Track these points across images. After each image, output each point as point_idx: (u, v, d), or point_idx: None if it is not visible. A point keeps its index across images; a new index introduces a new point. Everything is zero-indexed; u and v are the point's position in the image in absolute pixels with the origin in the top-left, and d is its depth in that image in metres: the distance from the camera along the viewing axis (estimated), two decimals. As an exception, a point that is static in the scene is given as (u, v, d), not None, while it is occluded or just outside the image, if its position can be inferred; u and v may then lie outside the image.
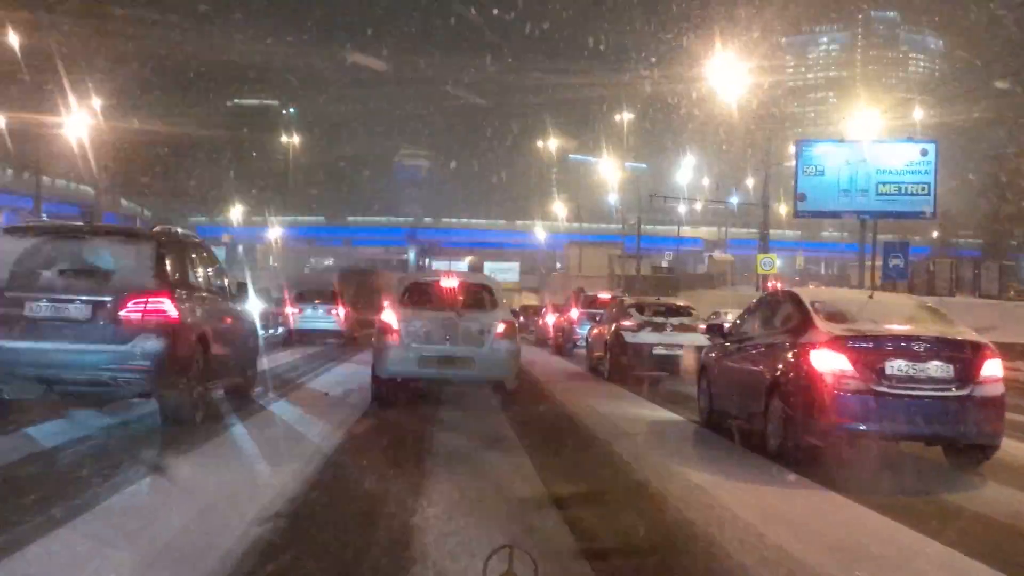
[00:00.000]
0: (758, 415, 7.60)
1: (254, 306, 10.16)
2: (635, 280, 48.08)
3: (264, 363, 11.46)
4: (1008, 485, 6.60)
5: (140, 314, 7.01)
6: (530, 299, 57.31)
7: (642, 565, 4.35)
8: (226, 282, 9.34)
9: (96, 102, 37.29)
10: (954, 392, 6.65)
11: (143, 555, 4.06)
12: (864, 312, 7.44)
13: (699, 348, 12.64)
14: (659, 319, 14.97)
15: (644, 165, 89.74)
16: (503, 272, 66.96)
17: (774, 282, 31.94)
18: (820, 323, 7.15)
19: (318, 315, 23.38)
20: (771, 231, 38.79)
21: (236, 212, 74.72)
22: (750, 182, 70.55)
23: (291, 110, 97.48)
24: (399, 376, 9.87)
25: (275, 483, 5.57)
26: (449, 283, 10.41)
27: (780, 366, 7.33)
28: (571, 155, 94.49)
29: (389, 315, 9.95)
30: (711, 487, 5.96)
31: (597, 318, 17.74)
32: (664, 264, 66.75)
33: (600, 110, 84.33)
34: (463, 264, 72.34)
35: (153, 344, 6.99)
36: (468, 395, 11.04)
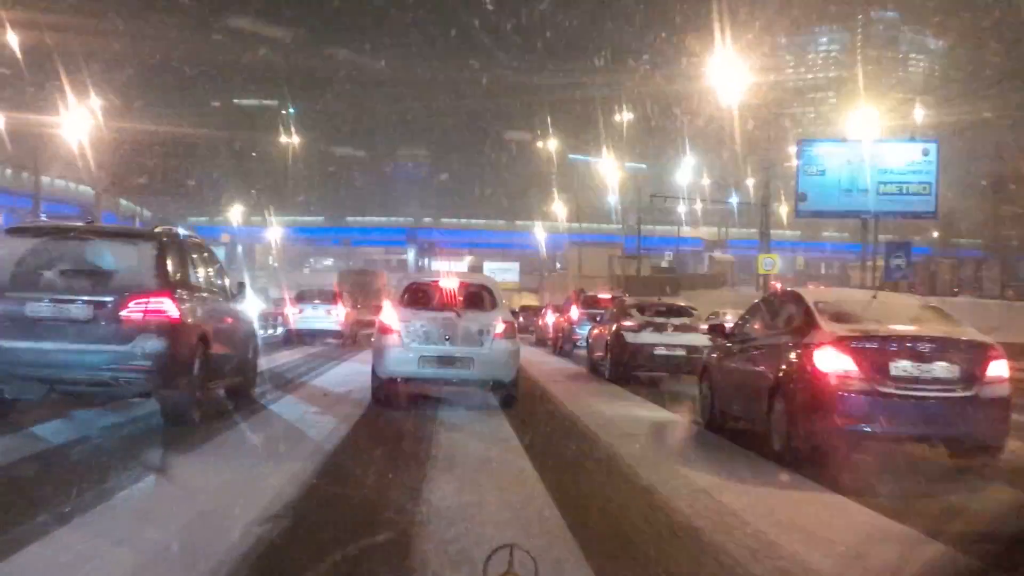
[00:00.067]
0: (761, 416, 7.53)
1: (252, 306, 10.15)
2: (635, 280, 48.01)
3: (265, 363, 11.48)
4: (1015, 487, 6.54)
5: (141, 314, 7.02)
6: (530, 299, 57.30)
7: None
8: (226, 282, 9.35)
9: (95, 102, 37.17)
10: (960, 393, 6.60)
11: (144, 555, 4.05)
12: (868, 312, 7.38)
13: (700, 349, 12.59)
14: (660, 319, 14.90)
15: (644, 165, 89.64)
16: (503, 272, 67.01)
17: (774, 282, 31.88)
18: (824, 323, 7.09)
19: (318, 315, 23.36)
20: (771, 231, 38.73)
21: (235, 212, 74.67)
22: (750, 182, 70.43)
23: (291, 110, 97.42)
24: (399, 376, 9.92)
25: (275, 483, 5.54)
26: (448, 283, 10.42)
27: (784, 367, 7.26)
28: (571, 155, 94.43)
29: (389, 315, 9.98)
30: (716, 491, 5.85)
31: (598, 318, 17.67)
32: (664, 264, 66.70)
33: (600, 110, 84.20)
34: (463, 264, 72.26)
35: (154, 344, 7.00)
36: (468, 395, 10.99)
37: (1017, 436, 7.28)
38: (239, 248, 74.50)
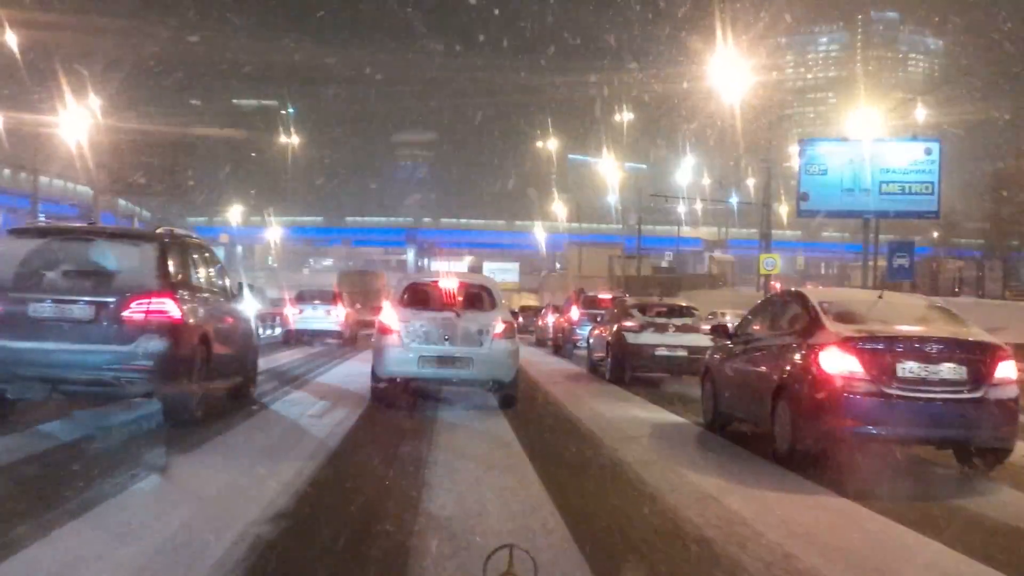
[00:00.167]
0: (765, 418, 7.43)
1: (249, 306, 10.17)
2: (635, 280, 47.92)
3: (265, 363, 11.40)
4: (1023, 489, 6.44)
5: (143, 314, 7.04)
6: (530, 299, 57.21)
7: None
8: (227, 282, 9.37)
9: (94, 102, 37.07)
10: (967, 394, 6.49)
11: (145, 555, 4.03)
12: (874, 313, 7.27)
13: (702, 349, 12.49)
14: (661, 320, 14.79)
15: (644, 165, 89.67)
16: (503, 272, 66.96)
17: (773, 282, 31.75)
18: (829, 324, 6.98)
19: (318, 315, 23.32)
20: (772, 231, 38.62)
21: (235, 212, 74.60)
22: (751, 182, 70.40)
23: (290, 110, 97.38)
24: (398, 376, 9.91)
25: (274, 484, 5.50)
26: (448, 283, 10.40)
27: (788, 368, 7.16)
28: (571, 155, 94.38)
29: (388, 315, 9.96)
30: (725, 496, 5.69)
31: (598, 319, 17.57)
32: (664, 264, 66.63)
33: (600, 110, 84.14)
34: (462, 264, 72.19)
35: (156, 344, 7.02)
36: (468, 396, 10.92)
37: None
38: (238, 248, 74.48)
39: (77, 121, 34.89)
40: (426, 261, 79.11)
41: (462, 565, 3.99)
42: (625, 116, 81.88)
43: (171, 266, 7.52)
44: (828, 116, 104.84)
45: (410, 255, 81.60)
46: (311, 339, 22.55)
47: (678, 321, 14.76)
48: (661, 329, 14.46)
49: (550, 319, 26.04)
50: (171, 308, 7.18)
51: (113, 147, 41.90)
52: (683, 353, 13.91)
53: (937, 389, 6.48)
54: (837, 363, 6.58)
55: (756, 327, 8.63)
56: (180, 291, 7.48)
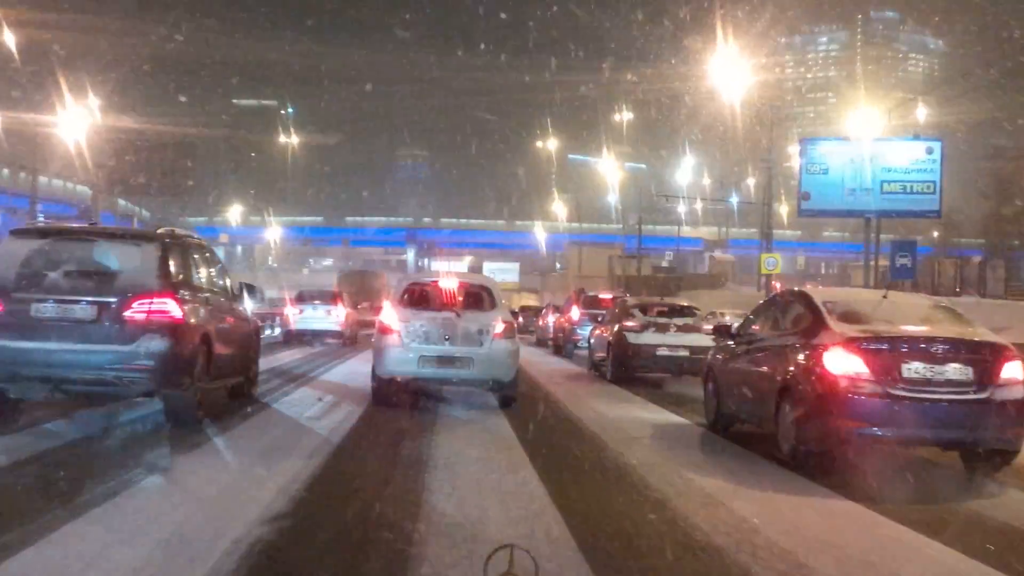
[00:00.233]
0: (768, 419, 7.37)
1: (247, 307, 10.19)
2: (636, 280, 47.84)
3: (266, 363, 11.38)
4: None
5: (145, 314, 7.08)
6: (530, 299, 57.15)
7: None
8: (228, 282, 9.40)
9: (93, 101, 36.99)
10: (973, 395, 6.43)
11: (146, 555, 4.03)
12: (878, 312, 7.21)
13: (703, 349, 12.43)
14: (662, 320, 14.73)
15: (643, 165, 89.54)
16: (503, 272, 66.84)
17: (774, 282, 31.68)
18: (833, 324, 6.92)
19: (318, 315, 23.31)
20: (772, 231, 38.54)
21: (235, 212, 74.52)
22: (751, 181, 70.27)
23: (290, 110, 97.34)
24: (399, 376, 9.94)
25: (273, 485, 5.48)
26: (448, 283, 10.41)
27: (791, 368, 7.10)
28: (571, 155, 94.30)
29: (389, 315, 9.97)
30: (732, 500, 5.58)
31: (599, 319, 17.50)
32: (665, 264, 66.54)
33: (600, 110, 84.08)
34: (462, 264, 72.14)
35: (157, 344, 7.06)
36: (468, 396, 10.88)
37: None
38: (238, 248, 74.46)
39: (76, 121, 34.82)
40: (426, 261, 79.03)
41: (464, 574, 3.90)
42: (625, 116, 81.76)
43: (172, 266, 7.55)
44: (828, 116, 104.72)
45: (410, 255, 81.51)
46: (311, 339, 22.52)
47: (679, 321, 14.70)
48: (662, 329, 14.40)
49: (550, 319, 25.97)
50: (172, 308, 7.20)
51: (112, 147, 41.85)
52: (684, 353, 13.84)
53: (943, 390, 6.42)
54: (842, 363, 6.51)
55: (759, 327, 8.56)
56: (181, 291, 7.51)
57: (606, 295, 24.45)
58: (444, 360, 9.66)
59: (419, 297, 10.32)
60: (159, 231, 8.23)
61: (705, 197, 68.67)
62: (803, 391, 6.81)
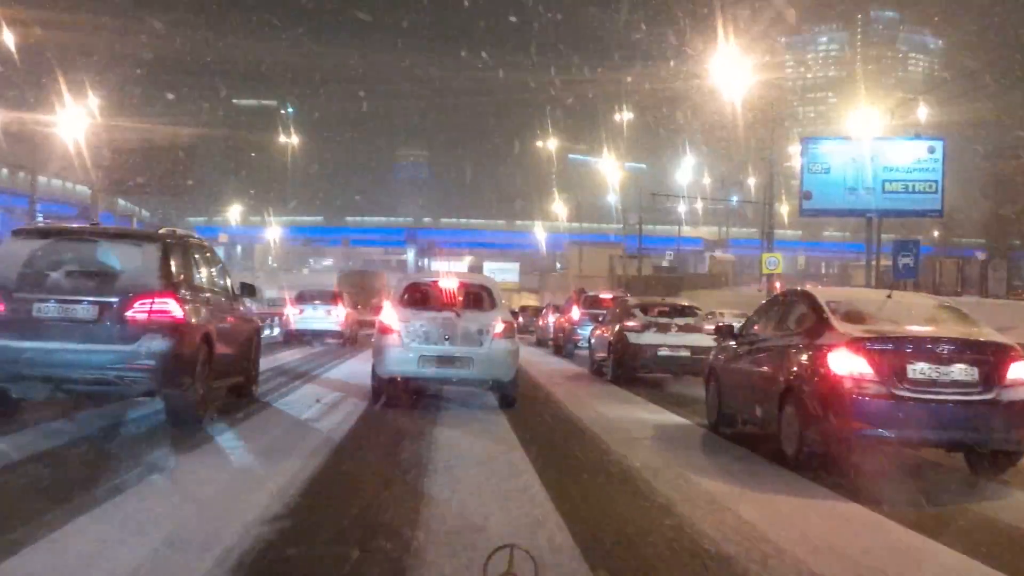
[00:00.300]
0: (771, 420, 7.30)
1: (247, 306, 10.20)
2: (638, 280, 47.78)
3: (266, 363, 11.36)
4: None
5: (146, 314, 7.10)
6: (530, 299, 57.11)
7: None
8: (228, 282, 9.41)
9: (93, 101, 36.91)
10: (979, 396, 6.36)
11: (146, 554, 4.02)
12: (883, 312, 7.14)
13: (705, 349, 12.37)
14: (664, 320, 14.66)
15: (643, 165, 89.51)
16: (503, 272, 66.85)
17: (774, 282, 31.56)
18: (837, 324, 6.85)
19: (318, 315, 23.29)
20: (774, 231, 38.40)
21: (234, 212, 74.47)
22: (751, 181, 70.25)
23: (289, 110, 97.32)
24: (399, 375, 9.97)
25: (273, 485, 5.44)
26: (448, 283, 10.41)
27: (795, 369, 7.03)
28: (571, 155, 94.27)
29: (389, 315, 9.99)
30: (739, 505, 5.44)
31: (599, 319, 17.43)
32: (665, 264, 66.52)
33: (600, 110, 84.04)
34: (462, 264, 72.10)
35: (159, 344, 7.08)
36: (468, 396, 10.82)
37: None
38: (238, 248, 74.40)
39: (75, 120, 34.75)
40: (426, 261, 79.00)
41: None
42: (625, 116, 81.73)
43: (173, 266, 7.59)
44: (828, 116, 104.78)
45: (410, 255, 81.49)
46: (311, 339, 22.49)
47: (680, 321, 14.62)
48: (663, 329, 14.32)
49: (551, 319, 25.91)
50: (174, 308, 7.23)
51: (112, 147, 41.76)
52: (686, 353, 13.77)
53: (948, 391, 6.35)
54: (846, 364, 6.44)
55: (762, 327, 8.48)
56: (182, 291, 7.54)
57: (606, 295, 24.37)
58: (444, 360, 9.67)
59: (419, 297, 10.31)
60: (160, 231, 8.25)
61: (705, 196, 68.65)
62: (807, 392, 6.74)
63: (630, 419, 9.81)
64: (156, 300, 7.14)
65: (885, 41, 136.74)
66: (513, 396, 10.01)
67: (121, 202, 56.35)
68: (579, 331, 20.50)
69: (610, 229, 72.02)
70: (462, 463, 6.69)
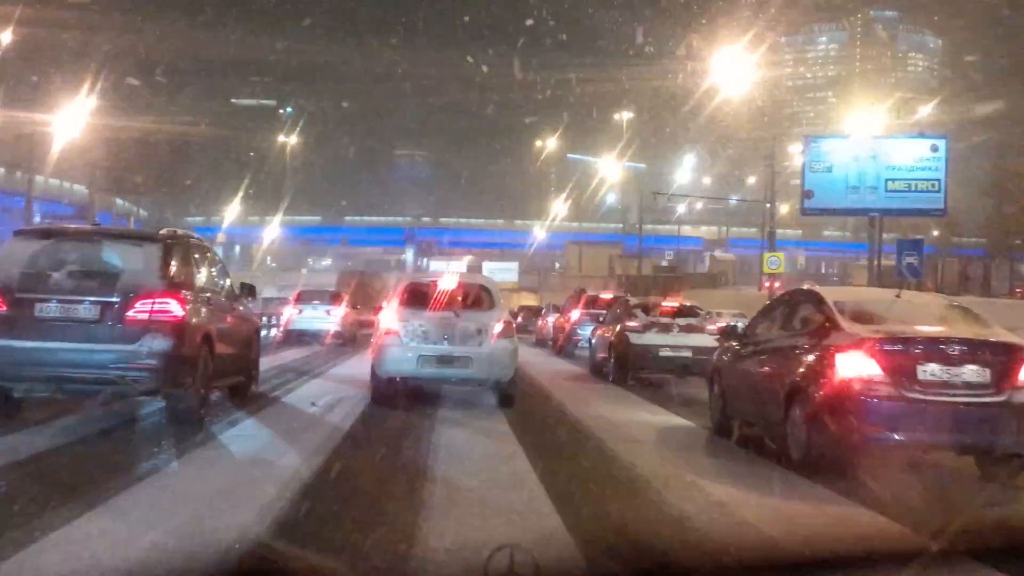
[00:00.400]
0: (777, 423, 7.15)
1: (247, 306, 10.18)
2: (640, 280, 47.64)
3: (267, 362, 11.48)
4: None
5: (147, 314, 7.18)
6: (529, 299, 56.98)
7: None
8: (228, 282, 9.47)
9: (91, 100, 36.74)
10: (991, 398, 6.23)
11: (147, 553, 4.05)
12: (891, 312, 7.01)
13: (707, 350, 12.24)
14: (665, 320, 14.53)
15: (642, 165, 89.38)
16: (502, 272, 66.62)
17: (774, 281, 31.37)
18: (846, 324, 6.72)
19: (318, 315, 23.27)
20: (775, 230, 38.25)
21: (232, 211, 74.24)
22: (752, 180, 70.14)
23: (288, 109, 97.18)
24: (398, 375, 10.00)
25: (271, 488, 5.41)
26: (447, 283, 10.39)
27: (802, 370, 6.89)
28: (570, 154, 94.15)
29: (388, 315, 10.08)
30: (759, 520, 5.16)
31: (600, 319, 17.31)
32: (665, 263, 66.39)
33: (599, 109, 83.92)
34: (462, 264, 71.93)
35: (160, 343, 7.16)
36: (468, 397, 10.73)
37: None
38: (236, 248, 74.24)
39: (73, 119, 34.56)
40: (425, 261, 78.88)
41: None
42: (624, 115, 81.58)
43: (174, 266, 7.68)
44: (828, 116, 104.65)
45: (409, 255, 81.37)
46: (311, 339, 22.42)
47: (682, 321, 14.49)
48: (665, 329, 14.20)
49: (551, 319, 25.78)
50: (175, 308, 7.31)
51: (109, 146, 41.60)
52: (688, 354, 13.64)
53: (960, 392, 6.22)
54: (855, 365, 6.31)
55: (767, 328, 8.34)
56: (183, 291, 7.61)
57: (606, 295, 24.24)
58: (443, 360, 9.74)
59: (418, 297, 10.27)
60: (161, 231, 8.29)
61: (706, 195, 68.55)
62: (814, 394, 6.59)
63: (634, 422, 9.65)
64: (157, 300, 7.21)
65: (885, 41, 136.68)
66: (513, 396, 10.01)
67: (119, 201, 56.19)
68: (579, 331, 20.40)
69: (610, 229, 71.98)
70: (463, 473, 6.39)
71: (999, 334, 6.69)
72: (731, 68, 31.86)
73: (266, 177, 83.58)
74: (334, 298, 24.32)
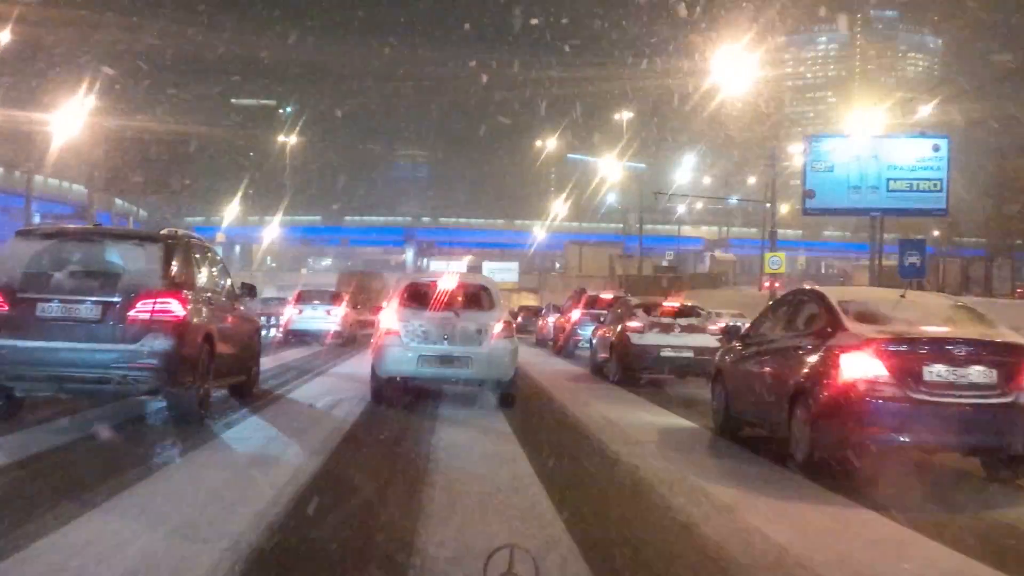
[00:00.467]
0: (781, 424, 7.09)
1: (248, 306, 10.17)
2: (640, 280, 47.56)
3: (267, 362, 11.62)
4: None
5: (148, 314, 7.21)
6: (529, 299, 56.93)
7: None
8: (229, 282, 9.48)
9: (90, 100, 36.66)
10: (997, 399, 6.16)
11: (148, 552, 4.06)
12: (896, 313, 6.93)
13: (708, 350, 12.19)
14: (667, 320, 14.45)
15: (643, 165, 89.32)
16: (502, 272, 66.61)
17: (774, 281, 31.28)
18: (850, 325, 6.65)
19: (318, 315, 23.25)
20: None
21: (232, 211, 74.14)
22: (752, 180, 70.07)
23: (288, 109, 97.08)
24: (398, 375, 10.00)
25: (269, 490, 5.35)
26: (447, 283, 10.37)
27: (806, 371, 6.83)
28: (569, 154, 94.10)
29: (388, 315, 10.05)
30: (766, 524, 5.06)
31: (600, 319, 17.24)
32: (665, 263, 66.32)
33: (600, 109, 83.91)
34: (462, 264, 71.87)
35: (161, 343, 7.18)
36: (468, 397, 10.67)
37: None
38: (236, 248, 74.19)
39: (72, 119, 34.48)
40: (425, 261, 78.84)
41: None
42: (624, 115, 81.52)
43: (175, 266, 7.68)
44: (828, 116, 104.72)
45: (409, 255, 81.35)
46: (311, 339, 22.40)
47: (684, 321, 14.42)
48: (666, 329, 14.13)
49: (551, 319, 25.71)
50: (176, 307, 7.33)
51: (109, 146, 41.52)
52: (689, 354, 13.59)
53: (966, 393, 6.15)
54: (860, 366, 6.24)
55: (770, 328, 8.27)
56: (184, 291, 7.62)
57: (607, 295, 24.16)
58: (444, 360, 9.73)
59: (418, 297, 10.23)
60: (162, 232, 8.31)
61: (706, 195, 68.45)
62: (818, 395, 6.53)
63: (636, 423, 9.57)
64: (158, 300, 7.23)
65: (885, 41, 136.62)
66: (513, 396, 10.00)
67: (118, 201, 56.08)
68: (580, 331, 20.34)
69: (609, 229, 71.90)
70: (463, 478, 6.21)
71: (1005, 334, 6.62)
72: (731, 68, 31.77)
73: (266, 177, 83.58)
74: (334, 298, 24.31)
